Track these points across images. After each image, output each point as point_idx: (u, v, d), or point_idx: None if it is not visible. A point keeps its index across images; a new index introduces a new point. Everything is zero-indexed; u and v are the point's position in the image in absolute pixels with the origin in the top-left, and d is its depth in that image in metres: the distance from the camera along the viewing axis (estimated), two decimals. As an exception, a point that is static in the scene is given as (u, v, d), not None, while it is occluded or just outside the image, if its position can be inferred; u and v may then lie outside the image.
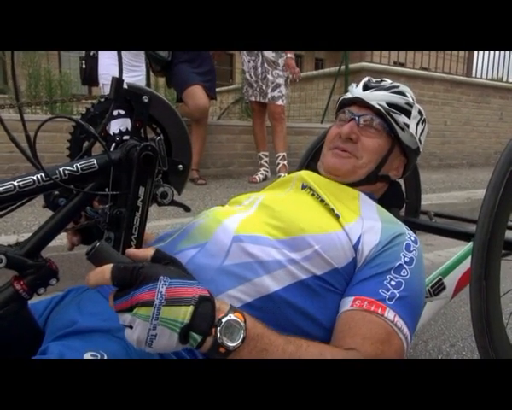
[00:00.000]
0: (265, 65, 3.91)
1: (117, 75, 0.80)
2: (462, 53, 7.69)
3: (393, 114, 1.04)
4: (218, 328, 0.59)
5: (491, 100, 6.87)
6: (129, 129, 0.85)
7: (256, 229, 0.84)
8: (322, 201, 0.94)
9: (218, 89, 5.63)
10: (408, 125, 1.06)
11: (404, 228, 0.91)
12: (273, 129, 4.13)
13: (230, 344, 0.60)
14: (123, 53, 3.54)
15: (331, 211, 0.90)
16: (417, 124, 1.08)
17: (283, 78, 3.95)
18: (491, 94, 6.85)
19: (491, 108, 6.90)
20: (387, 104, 1.04)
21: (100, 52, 3.36)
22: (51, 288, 0.77)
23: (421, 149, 1.12)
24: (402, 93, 1.08)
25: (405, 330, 0.76)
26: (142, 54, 3.56)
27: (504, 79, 7.42)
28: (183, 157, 0.90)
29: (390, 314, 0.75)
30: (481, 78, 7.00)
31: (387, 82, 1.12)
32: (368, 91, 1.06)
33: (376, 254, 0.83)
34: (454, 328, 1.78)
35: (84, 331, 0.73)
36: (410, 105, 1.07)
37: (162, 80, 4.36)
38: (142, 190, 0.76)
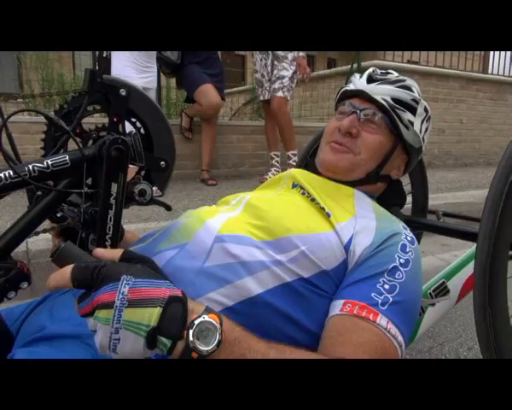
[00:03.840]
0: (275, 62, 3.84)
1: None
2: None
3: (398, 111, 0.98)
4: (191, 330, 0.55)
5: (509, 97, 6.70)
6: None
7: (240, 229, 0.79)
8: (313, 200, 0.88)
9: (229, 90, 5.61)
10: (412, 123, 0.99)
11: (400, 227, 0.85)
12: (277, 125, 3.98)
13: (204, 349, 0.54)
14: (136, 54, 3.59)
15: (321, 210, 0.85)
16: (422, 122, 1.02)
17: (289, 71, 3.81)
18: (509, 91, 6.67)
19: (509, 105, 6.72)
20: (392, 99, 0.98)
21: (112, 54, 3.37)
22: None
23: (423, 148, 1.06)
24: (408, 88, 1.02)
25: (399, 337, 0.70)
26: (154, 55, 3.58)
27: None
28: (166, 154, 0.85)
29: (383, 321, 0.69)
30: (498, 74, 6.83)
31: (394, 75, 1.06)
32: (372, 84, 1.00)
33: (369, 256, 0.77)
34: (471, 330, 1.69)
35: (53, 337, 0.70)
36: (416, 101, 1.01)
37: (173, 80, 4.36)
38: (115, 187, 0.72)
